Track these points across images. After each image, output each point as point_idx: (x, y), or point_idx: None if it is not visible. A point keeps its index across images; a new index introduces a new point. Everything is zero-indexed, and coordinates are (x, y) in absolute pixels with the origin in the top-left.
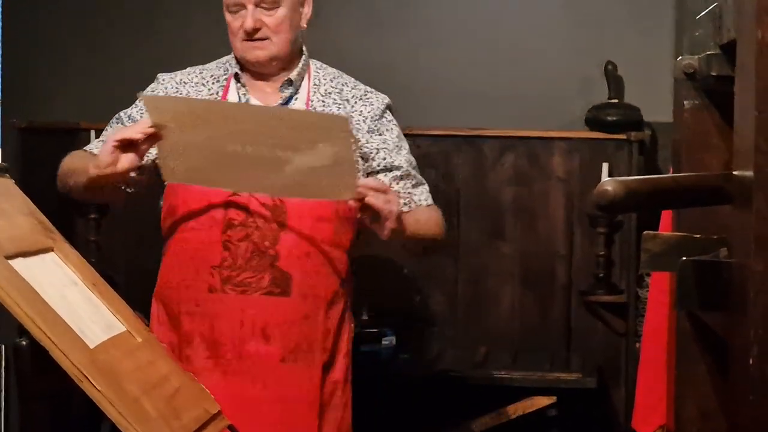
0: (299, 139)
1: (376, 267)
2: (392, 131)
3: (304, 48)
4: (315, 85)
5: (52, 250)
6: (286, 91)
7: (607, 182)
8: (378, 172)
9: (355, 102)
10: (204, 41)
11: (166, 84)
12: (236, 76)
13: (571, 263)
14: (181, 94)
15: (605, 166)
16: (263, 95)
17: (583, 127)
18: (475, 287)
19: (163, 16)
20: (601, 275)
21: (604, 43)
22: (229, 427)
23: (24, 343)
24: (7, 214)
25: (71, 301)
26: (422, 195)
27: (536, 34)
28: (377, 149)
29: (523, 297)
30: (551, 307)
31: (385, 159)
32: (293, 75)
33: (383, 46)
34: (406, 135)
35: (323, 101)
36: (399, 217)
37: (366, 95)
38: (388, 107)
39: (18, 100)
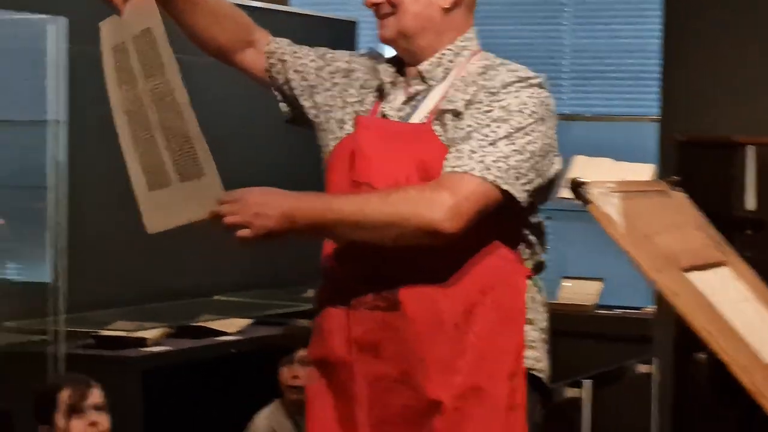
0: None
1: None
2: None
3: (463, 37)
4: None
5: (725, 265)
6: (416, 86)
7: None
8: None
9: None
10: None
11: None
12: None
13: None
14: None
15: None
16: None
17: None
18: None
19: None
20: None
21: None
22: None
23: (702, 356)
24: (681, 228)
25: (746, 317)
26: (468, 160)
27: None
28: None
29: None
30: None
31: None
32: (423, 66)
33: None
34: None
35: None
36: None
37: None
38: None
39: (679, 113)
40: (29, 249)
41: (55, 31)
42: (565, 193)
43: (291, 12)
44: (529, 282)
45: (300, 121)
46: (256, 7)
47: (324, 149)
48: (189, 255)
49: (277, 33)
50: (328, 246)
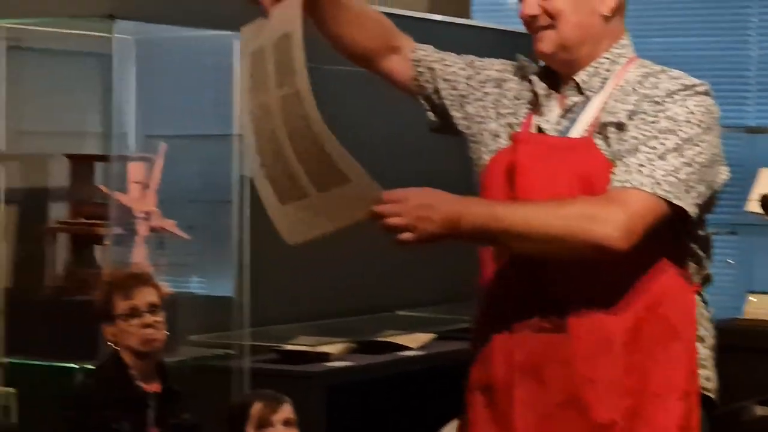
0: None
1: None
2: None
3: (618, 44)
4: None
5: None
6: (572, 98)
7: None
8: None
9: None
10: None
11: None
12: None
13: None
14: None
15: None
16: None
17: None
18: None
19: None
20: None
21: None
22: None
23: None
24: None
25: None
26: (637, 174)
27: None
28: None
29: None
30: None
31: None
32: (580, 76)
33: None
34: None
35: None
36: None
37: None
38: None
39: None
40: (214, 263)
41: (240, 46)
42: (752, 206)
43: (473, 25)
44: (696, 297)
45: (446, 131)
46: (438, 20)
47: (477, 161)
48: (370, 270)
49: (457, 46)
50: (488, 267)
